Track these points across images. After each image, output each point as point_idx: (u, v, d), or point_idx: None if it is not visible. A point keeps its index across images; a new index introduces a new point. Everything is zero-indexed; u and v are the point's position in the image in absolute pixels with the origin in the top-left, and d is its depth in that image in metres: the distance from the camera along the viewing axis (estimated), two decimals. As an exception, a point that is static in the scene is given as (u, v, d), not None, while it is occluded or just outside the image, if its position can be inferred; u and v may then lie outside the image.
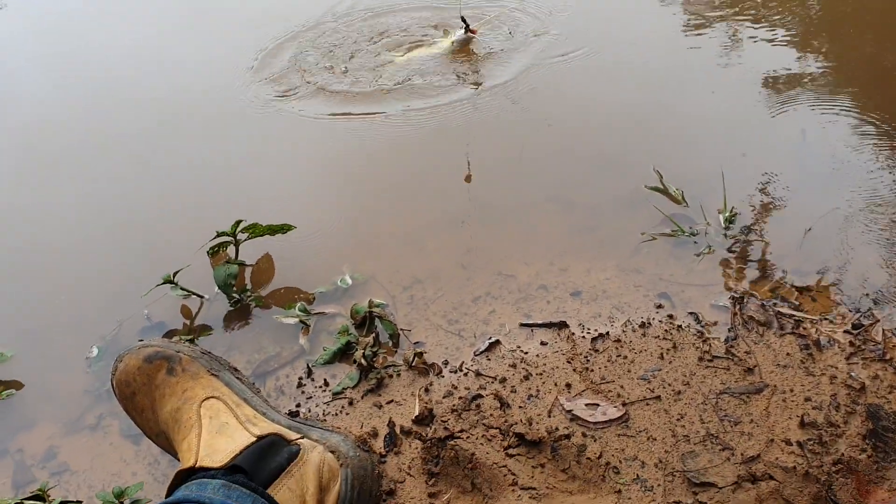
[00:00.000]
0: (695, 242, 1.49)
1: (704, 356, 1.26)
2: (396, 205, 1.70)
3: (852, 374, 1.20)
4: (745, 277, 1.41)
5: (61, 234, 1.73)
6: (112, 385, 1.13)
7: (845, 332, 1.28)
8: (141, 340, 1.15)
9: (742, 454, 1.10)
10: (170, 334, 1.43)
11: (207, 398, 1.07)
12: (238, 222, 1.48)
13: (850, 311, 1.32)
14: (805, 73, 1.98)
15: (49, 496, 1.12)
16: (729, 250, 1.47)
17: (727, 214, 1.52)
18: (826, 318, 1.31)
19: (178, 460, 1.05)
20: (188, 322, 1.46)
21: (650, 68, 2.07)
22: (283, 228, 1.51)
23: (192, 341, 1.36)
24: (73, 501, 1.12)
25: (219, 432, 1.03)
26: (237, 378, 1.13)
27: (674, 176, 1.65)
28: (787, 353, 1.26)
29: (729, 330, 1.31)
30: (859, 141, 1.71)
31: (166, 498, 0.94)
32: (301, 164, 1.88)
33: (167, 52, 2.43)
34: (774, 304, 1.34)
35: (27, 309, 1.56)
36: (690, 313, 1.35)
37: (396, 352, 1.35)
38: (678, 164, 1.70)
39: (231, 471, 0.97)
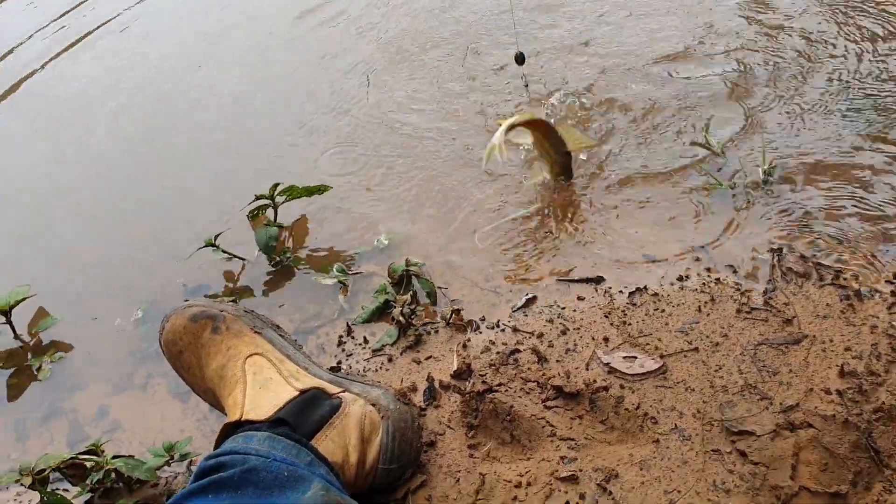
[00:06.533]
0: (733, 196, 1.48)
1: (742, 308, 1.26)
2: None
3: (894, 323, 1.19)
4: (784, 230, 1.39)
5: (105, 203, 1.77)
6: (160, 344, 1.16)
7: (887, 281, 1.26)
8: (186, 300, 1.18)
9: (781, 403, 1.10)
10: (212, 297, 1.46)
11: (251, 355, 1.10)
12: (276, 185, 1.50)
13: (892, 260, 1.30)
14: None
15: (103, 451, 1.16)
16: (767, 203, 1.45)
17: (766, 167, 1.50)
18: (867, 268, 1.29)
19: (225, 415, 1.08)
20: (231, 284, 1.49)
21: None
22: (320, 189, 1.53)
23: (234, 302, 1.39)
24: (125, 456, 1.16)
25: (263, 387, 1.06)
26: (279, 335, 1.16)
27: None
28: (827, 304, 1.24)
29: (767, 282, 1.30)
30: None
31: (214, 450, 0.98)
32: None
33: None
34: (814, 256, 1.33)
35: (75, 275, 1.61)
36: (728, 266, 1.34)
37: (434, 309, 1.37)
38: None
39: (275, 423, 1.00)
